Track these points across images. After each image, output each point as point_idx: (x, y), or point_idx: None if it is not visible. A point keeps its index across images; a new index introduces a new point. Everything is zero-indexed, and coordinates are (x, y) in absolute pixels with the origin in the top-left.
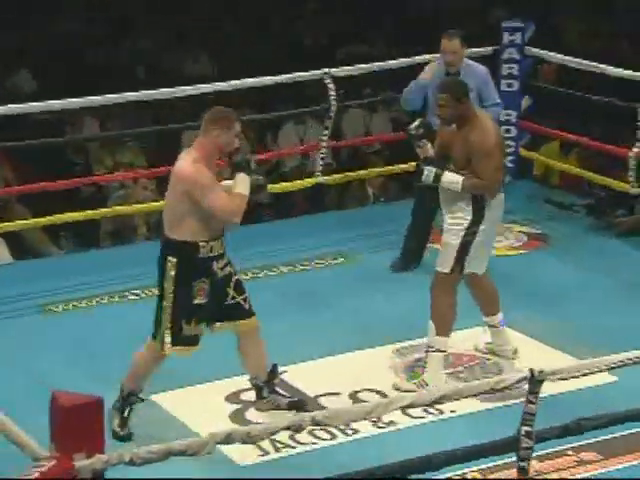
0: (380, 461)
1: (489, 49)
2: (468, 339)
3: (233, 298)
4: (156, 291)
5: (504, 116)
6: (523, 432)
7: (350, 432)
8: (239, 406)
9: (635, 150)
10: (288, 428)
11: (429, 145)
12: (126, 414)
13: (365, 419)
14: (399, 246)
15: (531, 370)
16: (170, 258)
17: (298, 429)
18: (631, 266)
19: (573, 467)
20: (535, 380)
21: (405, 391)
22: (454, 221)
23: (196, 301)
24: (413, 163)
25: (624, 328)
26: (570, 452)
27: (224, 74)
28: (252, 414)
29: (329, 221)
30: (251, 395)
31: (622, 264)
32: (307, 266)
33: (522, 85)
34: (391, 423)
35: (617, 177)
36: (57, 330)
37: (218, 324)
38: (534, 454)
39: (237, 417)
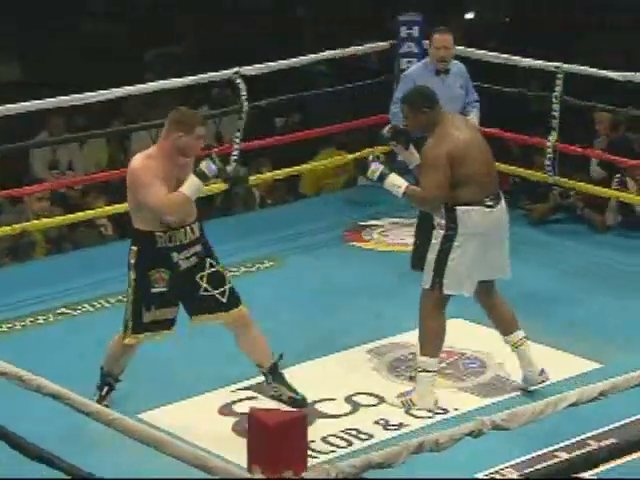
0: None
1: (385, 44)
2: None
3: (206, 290)
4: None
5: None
6: None
7: (364, 437)
8: (237, 418)
9: (551, 139)
10: (470, 434)
11: (401, 147)
12: (104, 392)
13: (534, 421)
14: (317, 247)
15: None
16: (132, 247)
17: (478, 434)
18: (563, 254)
19: None
20: None
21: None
22: (433, 234)
23: (154, 290)
24: (297, 167)
25: (584, 315)
26: (591, 441)
27: (33, 79)
28: None
29: (229, 225)
30: (244, 407)
31: (554, 252)
32: (236, 272)
33: None
34: (401, 425)
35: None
36: None
37: (194, 317)
38: (559, 445)
39: (238, 429)
